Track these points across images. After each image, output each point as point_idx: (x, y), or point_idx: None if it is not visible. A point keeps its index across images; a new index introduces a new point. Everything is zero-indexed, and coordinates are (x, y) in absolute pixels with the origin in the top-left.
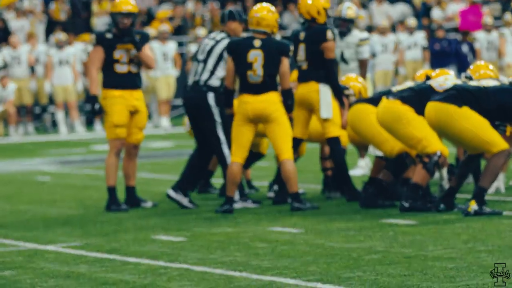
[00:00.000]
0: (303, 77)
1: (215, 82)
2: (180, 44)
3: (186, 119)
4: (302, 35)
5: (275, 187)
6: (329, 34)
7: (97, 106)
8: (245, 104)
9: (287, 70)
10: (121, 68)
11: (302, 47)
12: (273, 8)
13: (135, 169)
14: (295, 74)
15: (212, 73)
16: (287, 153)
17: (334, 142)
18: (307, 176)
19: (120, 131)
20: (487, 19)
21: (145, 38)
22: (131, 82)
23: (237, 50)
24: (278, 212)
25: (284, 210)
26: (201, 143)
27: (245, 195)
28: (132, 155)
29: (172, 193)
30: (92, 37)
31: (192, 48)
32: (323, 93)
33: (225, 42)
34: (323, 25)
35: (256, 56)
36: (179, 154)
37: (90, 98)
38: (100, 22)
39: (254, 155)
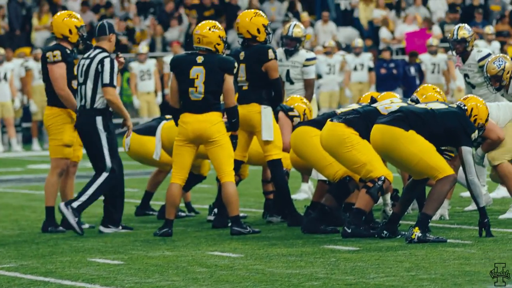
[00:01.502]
0: (244, 98)
1: (101, 104)
2: None
3: (124, 139)
4: (242, 55)
5: (215, 210)
6: (270, 53)
7: None
8: (186, 124)
9: (231, 87)
10: (75, 84)
11: (242, 67)
12: (218, 25)
13: (72, 189)
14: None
15: (95, 94)
16: (229, 175)
17: (275, 164)
18: (248, 199)
19: (69, 151)
20: (432, 41)
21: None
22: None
23: (180, 66)
24: (218, 236)
25: (224, 234)
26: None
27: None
28: (71, 174)
29: (103, 229)
30: (55, 53)
31: (134, 65)
32: (265, 115)
33: (99, 57)
34: (263, 44)
35: (198, 73)
36: None
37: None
38: (40, 36)
39: (195, 177)
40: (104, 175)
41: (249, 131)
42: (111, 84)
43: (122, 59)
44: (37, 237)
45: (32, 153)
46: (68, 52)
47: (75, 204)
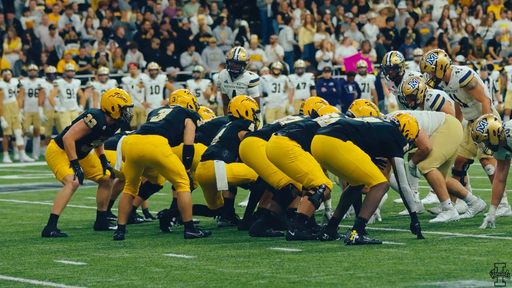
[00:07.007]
0: (205, 155)
1: None
2: (83, 83)
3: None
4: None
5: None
6: (252, 126)
7: (80, 172)
8: (130, 144)
9: (192, 128)
10: (86, 149)
11: (222, 130)
12: (191, 92)
13: (108, 199)
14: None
15: None
16: (183, 186)
17: (256, 183)
18: None
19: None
20: (361, 63)
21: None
22: (84, 156)
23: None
24: (173, 239)
25: (178, 238)
26: None
27: None
28: (109, 186)
29: None
30: (93, 120)
31: (96, 85)
32: (217, 167)
33: None
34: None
35: (165, 110)
36: None
37: (72, 163)
38: (9, 59)
39: (152, 187)
40: None
41: (211, 186)
42: None
43: None
44: (7, 240)
45: (2, 165)
46: (103, 128)
47: None
